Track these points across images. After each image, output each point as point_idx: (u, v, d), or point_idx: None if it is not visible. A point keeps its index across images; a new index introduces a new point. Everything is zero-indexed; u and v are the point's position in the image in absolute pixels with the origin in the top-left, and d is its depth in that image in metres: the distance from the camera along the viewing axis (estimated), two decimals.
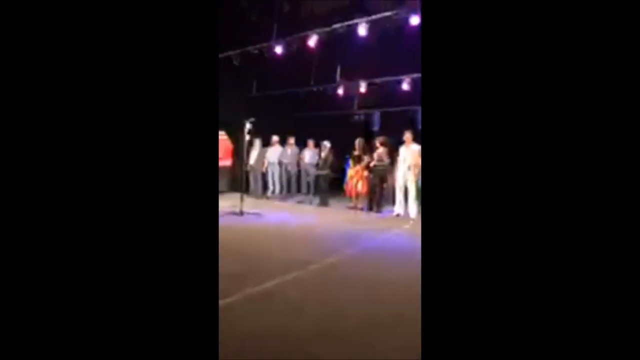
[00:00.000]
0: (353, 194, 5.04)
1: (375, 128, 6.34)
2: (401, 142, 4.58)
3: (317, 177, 5.66)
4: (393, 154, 4.73)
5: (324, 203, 5.47)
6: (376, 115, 6.50)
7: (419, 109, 5.38)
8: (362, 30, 4.85)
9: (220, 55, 7.29)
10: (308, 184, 5.91)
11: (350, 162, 5.26)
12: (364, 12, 5.08)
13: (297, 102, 6.79)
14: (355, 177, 5.05)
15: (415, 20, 4.20)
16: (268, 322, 1.22)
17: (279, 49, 6.02)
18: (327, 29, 5.27)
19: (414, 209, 4.18)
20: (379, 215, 4.55)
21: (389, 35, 4.75)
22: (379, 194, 4.81)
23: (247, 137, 4.51)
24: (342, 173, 5.70)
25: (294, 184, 6.08)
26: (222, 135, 5.95)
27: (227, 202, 4.41)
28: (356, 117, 6.68)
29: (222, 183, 5.89)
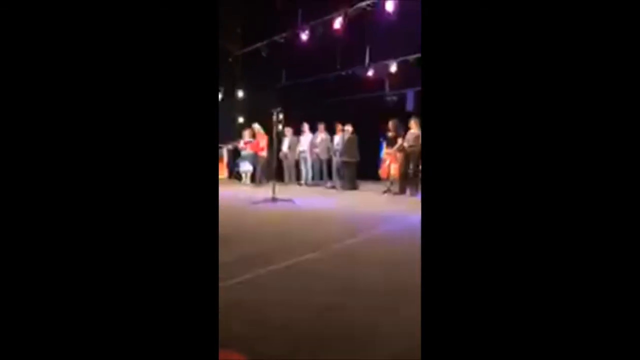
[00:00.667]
0: (386, 176, 4.92)
1: (410, 108, 6.06)
2: None
3: (342, 164, 5.61)
4: None
5: (353, 187, 5.42)
6: (410, 95, 6.21)
7: None
8: (390, 6, 4.62)
9: (248, 49, 7.47)
10: (339, 169, 5.89)
11: (384, 144, 5.13)
12: None
13: (327, 87, 6.72)
14: (389, 159, 4.92)
15: None
16: (289, 293, 1.27)
17: (305, 35, 5.98)
18: (352, 8, 5.11)
19: None
20: (412, 198, 4.40)
21: (417, 9, 4.47)
22: (413, 176, 4.64)
23: (278, 127, 4.60)
24: (377, 156, 5.58)
25: (326, 171, 6.09)
26: (259, 129, 6.13)
27: (262, 191, 4.58)
28: (388, 98, 6.44)
29: (260, 173, 6.12)
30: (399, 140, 4.76)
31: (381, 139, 5.37)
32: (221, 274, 1.46)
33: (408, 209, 3.57)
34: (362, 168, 5.62)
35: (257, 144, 6.10)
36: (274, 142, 4.77)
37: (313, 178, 6.21)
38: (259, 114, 6.26)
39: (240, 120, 7.99)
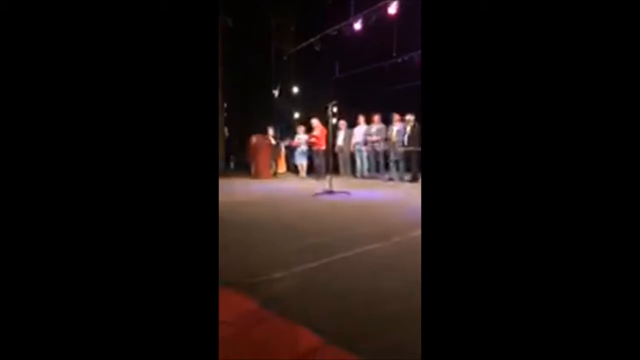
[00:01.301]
0: None
1: None
2: None
3: (406, 154, 5.42)
4: None
5: (414, 179, 5.23)
6: None
7: None
8: None
9: (302, 45, 7.62)
10: (397, 161, 5.72)
11: None
12: None
13: (383, 76, 6.54)
14: None
15: None
16: (347, 283, 1.29)
17: (358, 25, 5.88)
18: None
19: None
20: None
21: None
22: None
23: (333, 120, 4.63)
24: None
25: (382, 162, 5.97)
26: (318, 124, 6.24)
27: (319, 184, 4.67)
28: None
29: (319, 166, 6.23)
30: None
31: None
32: (292, 260, 1.55)
33: None
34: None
35: (320, 138, 6.18)
36: (330, 136, 4.82)
37: (369, 170, 6.14)
38: (314, 108, 6.37)
39: (296, 115, 8.22)
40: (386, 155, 5.86)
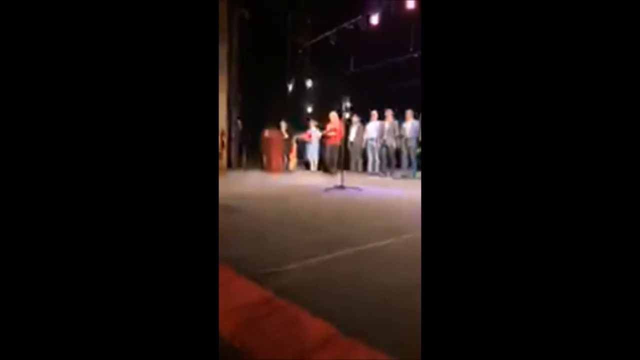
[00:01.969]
0: None
1: None
2: None
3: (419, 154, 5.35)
4: None
5: None
6: None
7: None
8: None
9: (317, 39, 7.58)
10: (409, 158, 5.65)
11: None
12: None
13: (399, 72, 6.45)
14: None
15: None
16: (360, 276, 1.29)
17: (375, 19, 5.79)
18: None
19: None
20: None
21: None
22: None
23: (346, 115, 4.60)
24: None
25: (394, 159, 5.91)
26: (335, 117, 6.20)
27: (331, 179, 4.66)
28: None
29: (331, 161, 6.22)
30: None
31: None
32: (305, 253, 1.56)
33: None
34: None
35: (339, 132, 6.15)
36: (343, 131, 4.79)
37: (381, 166, 6.10)
38: (327, 102, 6.35)
39: (309, 109, 8.20)
40: (398, 151, 5.80)
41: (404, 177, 5.54)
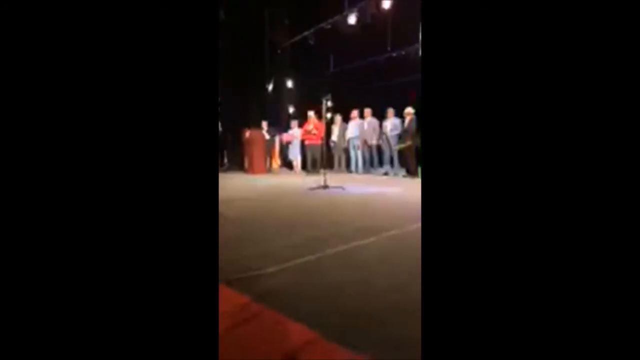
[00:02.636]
0: None
1: None
2: None
3: (400, 151, 5.42)
4: None
5: (411, 174, 5.24)
6: None
7: None
8: None
9: (296, 38, 7.54)
10: (391, 156, 5.72)
11: None
12: None
13: (377, 71, 6.52)
14: None
15: None
16: (341, 277, 1.28)
17: (352, 19, 5.82)
18: None
19: None
20: None
21: None
22: None
23: (328, 115, 4.60)
24: None
25: (376, 157, 5.97)
26: (313, 118, 6.19)
27: (314, 179, 4.65)
28: None
29: (314, 161, 6.21)
30: None
31: None
32: (286, 255, 1.54)
33: None
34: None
35: (320, 131, 6.13)
36: (324, 130, 4.79)
37: (364, 165, 6.14)
38: (308, 102, 6.33)
39: (291, 110, 8.16)
40: (379, 150, 5.86)
41: (385, 174, 5.61)
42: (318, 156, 5.93)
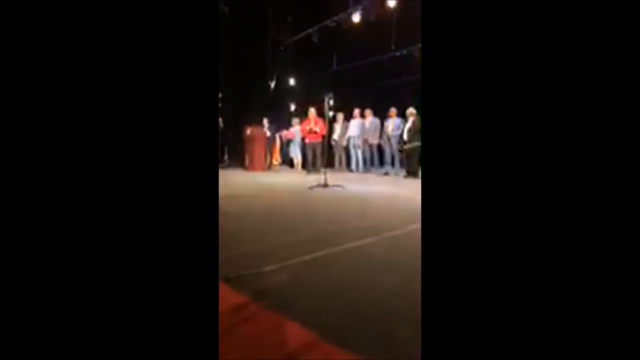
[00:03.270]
0: None
1: None
2: None
3: (402, 151, 5.40)
4: None
5: (412, 174, 5.22)
6: None
7: None
8: None
9: (299, 36, 7.51)
10: (392, 156, 5.71)
11: None
12: None
13: (381, 70, 6.49)
14: None
15: None
16: (340, 277, 1.27)
17: (356, 17, 5.80)
18: None
19: None
20: None
21: None
22: None
23: (330, 113, 4.59)
24: None
25: (377, 157, 5.95)
26: (313, 115, 6.16)
27: (314, 177, 4.64)
28: None
29: (314, 159, 6.19)
30: None
31: None
32: (285, 254, 1.53)
33: None
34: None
35: (322, 129, 6.09)
36: (326, 128, 4.78)
37: (364, 164, 6.13)
38: (310, 100, 6.31)
39: (292, 107, 8.15)
40: (380, 149, 5.84)
41: (386, 174, 5.59)
42: (318, 152, 5.91)
